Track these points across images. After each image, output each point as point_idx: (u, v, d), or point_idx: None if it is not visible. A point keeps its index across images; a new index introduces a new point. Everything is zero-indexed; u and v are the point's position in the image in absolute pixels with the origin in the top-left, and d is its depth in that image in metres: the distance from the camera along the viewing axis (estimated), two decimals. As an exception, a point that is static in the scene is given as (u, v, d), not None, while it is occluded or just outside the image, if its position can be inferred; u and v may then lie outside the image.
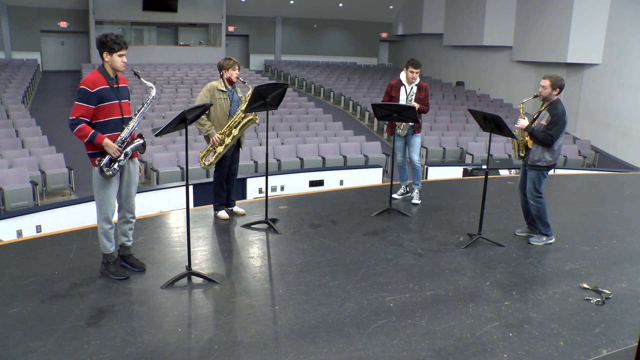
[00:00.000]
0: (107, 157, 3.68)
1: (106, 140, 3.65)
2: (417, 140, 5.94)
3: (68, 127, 3.63)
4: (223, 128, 4.97)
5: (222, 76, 5.03)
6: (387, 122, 6.12)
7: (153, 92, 3.87)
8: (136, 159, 3.97)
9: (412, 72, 5.69)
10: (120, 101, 3.74)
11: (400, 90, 5.81)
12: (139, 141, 3.80)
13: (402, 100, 5.77)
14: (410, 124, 5.79)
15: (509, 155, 12.61)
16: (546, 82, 4.62)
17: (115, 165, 3.71)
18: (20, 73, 18.30)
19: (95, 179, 3.75)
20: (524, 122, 4.70)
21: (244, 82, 5.02)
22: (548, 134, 4.56)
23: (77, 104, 3.59)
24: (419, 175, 6.06)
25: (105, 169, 3.68)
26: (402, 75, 5.81)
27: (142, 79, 3.82)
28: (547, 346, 3.21)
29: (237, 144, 5.18)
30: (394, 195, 6.10)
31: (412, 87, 5.76)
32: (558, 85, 4.62)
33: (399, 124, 5.80)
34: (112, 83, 3.70)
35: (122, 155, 3.72)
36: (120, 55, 3.66)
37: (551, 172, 4.88)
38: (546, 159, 4.66)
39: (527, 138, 4.77)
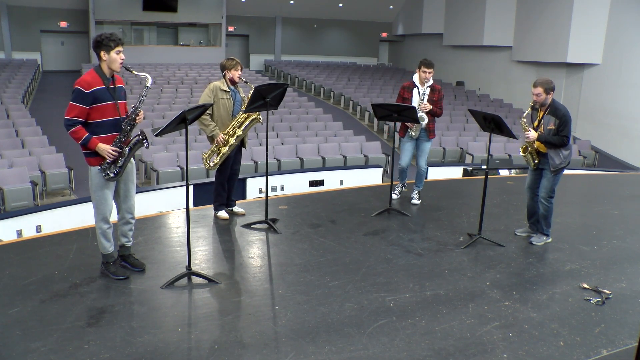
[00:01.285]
0: (107, 160, 3.67)
1: (100, 144, 3.63)
2: (428, 145, 5.88)
3: (63, 125, 3.61)
4: (227, 128, 4.96)
5: (224, 76, 5.01)
6: (393, 123, 6.06)
7: (148, 82, 3.80)
8: (132, 159, 3.96)
9: (425, 72, 5.63)
10: (117, 102, 3.72)
11: (413, 91, 5.75)
12: (135, 138, 3.75)
13: (415, 102, 5.69)
14: (423, 126, 5.75)
15: (509, 155, 12.62)
16: (539, 90, 4.61)
17: (116, 168, 3.69)
18: (20, 73, 18.29)
19: (92, 179, 3.73)
20: (533, 134, 4.67)
21: (246, 82, 5.01)
22: (563, 136, 4.58)
23: (72, 103, 3.57)
24: (422, 178, 6.04)
25: (104, 173, 3.67)
26: (415, 77, 5.76)
27: (134, 72, 3.80)
28: (547, 346, 3.22)
29: (240, 144, 5.17)
30: (393, 195, 6.08)
31: (425, 89, 5.73)
32: (550, 89, 4.63)
33: (411, 125, 5.75)
34: (108, 83, 3.67)
35: (122, 157, 3.70)
36: (118, 52, 3.63)
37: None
38: (567, 158, 4.69)
39: (537, 145, 4.76)
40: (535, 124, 4.76)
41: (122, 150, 3.70)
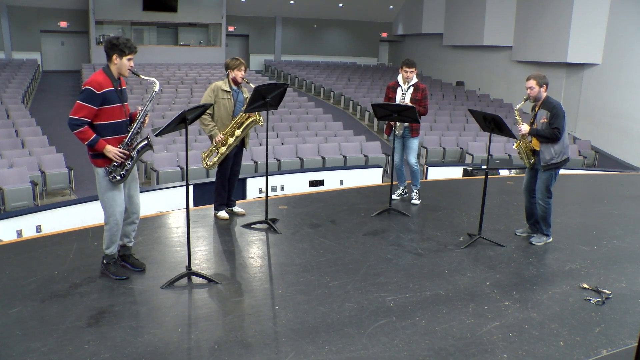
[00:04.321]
0: (114, 163, 3.68)
1: (107, 146, 3.62)
2: (414, 143, 5.93)
3: (67, 125, 3.57)
4: (226, 128, 4.96)
5: (227, 76, 5.01)
6: (385, 123, 6.14)
7: (156, 87, 3.82)
8: None
9: (407, 71, 5.71)
10: (123, 104, 3.74)
11: (397, 90, 5.83)
12: (143, 142, 3.76)
13: (398, 101, 5.77)
14: (405, 125, 5.79)
15: (509, 155, 12.62)
16: (532, 83, 4.66)
17: (123, 171, 3.69)
18: (20, 73, 18.29)
19: (99, 181, 3.74)
20: (525, 128, 4.71)
21: (249, 83, 5.01)
22: (554, 129, 4.58)
23: (81, 103, 3.54)
24: (417, 176, 6.05)
25: (111, 176, 3.68)
26: (399, 77, 5.83)
27: (142, 76, 3.81)
28: (547, 346, 3.22)
29: (241, 145, 5.16)
30: (392, 196, 6.09)
31: (408, 88, 5.77)
32: (544, 83, 4.67)
33: (399, 125, 5.81)
34: (116, 85, 3.69)
35: (129, 160, 3.70)
36: (129, 60, 3.66)
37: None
38: (559, 155, 4.67)
39: (532, 142, 4.77)
40: (531, 120, 4.78)
41: (130, 153, 3.70)
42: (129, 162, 3.70)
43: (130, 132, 3.73)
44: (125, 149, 3.69)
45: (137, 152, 3.73)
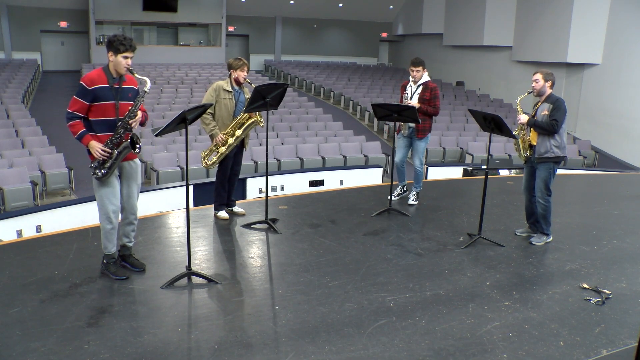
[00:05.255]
0: (98, 160, 3.67)
1: (92, 142, 3.64)
2: (421, 145, 5.86)
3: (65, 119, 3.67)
4: (227, 128, 4.97)
5: (229, 76, 5.02)
6: (393, 123, 6.12)
7: (147, 86, 3.79)
8: (137, 160, 3.96)
9: (412, 70, 5.71)
10: (118, 102, 3.71)
11: (407, 89, 5.83)
12: (124, 143, 3.71)
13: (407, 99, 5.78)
14: (411, 126, 5.78)
15: (509, 155, 12.62)
16: (538, 76, 4.71)
17: (104, 169, 3.66)
18: (20, 73, 18.29)
19: (93, 177, 3.76)
20: (524, 118, 4.75)
21: (251, 84, 5.00)
22: (553, 120, 4.59)
23: (75, 98, 3.64)
24: (419, 178, 6.03)
25: (92, 172, 3.68)
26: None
27: (136, 75, 3.81)
28: (547, 346, 3.22)
29: (241, 145, 5.17)
30: (392, 196, 6.07)
31: (417, 87, 5.75)
32: (550, 78, 4.69)
33: (403, 125, 5.80)
34: (112, 83, 3.69)
35: (111, 158, 3.68)
36: (125, 57, 3.66)
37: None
38: (554, 151, 4.68)
39: (530, 136, 4.79)
40: (532, 114, 4.80)
41: (112, 151, 3.69)
42: (110, 160, 3.67)
43: (115, 131, 3.70)
44: (109, 147, 3.67)
45: (119, 152, 3.70)
